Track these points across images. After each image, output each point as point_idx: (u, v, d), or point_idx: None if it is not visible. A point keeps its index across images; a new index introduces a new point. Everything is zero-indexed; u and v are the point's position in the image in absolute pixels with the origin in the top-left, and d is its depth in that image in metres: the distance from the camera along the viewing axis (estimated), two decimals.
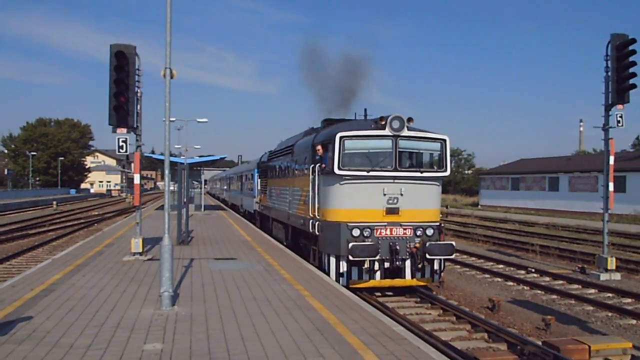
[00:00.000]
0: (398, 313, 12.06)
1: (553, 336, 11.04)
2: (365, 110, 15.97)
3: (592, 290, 16.00)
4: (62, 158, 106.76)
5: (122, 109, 14.12)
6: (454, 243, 13.34)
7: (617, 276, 17.90)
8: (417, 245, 13.10)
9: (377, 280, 13.17)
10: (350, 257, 12.31)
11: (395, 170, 13.10)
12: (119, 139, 14.60)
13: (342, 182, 13.04)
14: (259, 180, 27.51)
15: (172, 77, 10.21)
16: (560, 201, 53.30)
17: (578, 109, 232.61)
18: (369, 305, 10.29)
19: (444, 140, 13.68)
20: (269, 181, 23.63)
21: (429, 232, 13.28)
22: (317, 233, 13.98)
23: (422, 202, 13.42)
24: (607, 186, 17.43)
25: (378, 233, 12.99)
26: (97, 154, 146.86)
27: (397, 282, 13.39)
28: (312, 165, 14.56)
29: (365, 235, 12.82)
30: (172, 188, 34.54)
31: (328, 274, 13.31)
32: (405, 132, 13.15)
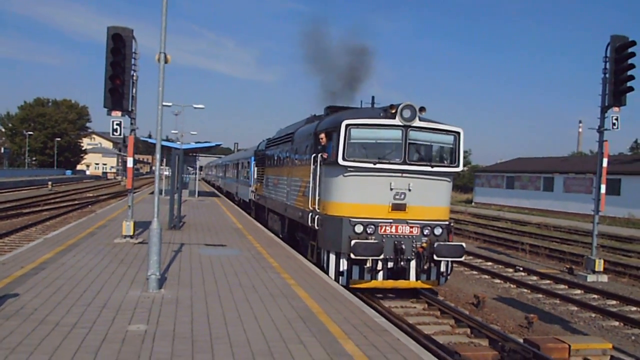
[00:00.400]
0: (383, 305, 12.19)
1: (535, 334, 11.20)
2: (373, 98, 15.09)
3: (578, 291, 16.15)
4: (59, 139, 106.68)
5: (117, 92, 14.15)
6: (464, 244, 12.55)
7: (604, 278, 18.06)
8: (424, 245, 12.38)
9: (380, 280, 12.45)
10: (352, 256, 11.65)
11: (404, 163, 12.39)
12: (113, 121, 14.70)
13: (346, 174, 12.36)
14: (255, 168, 26.76)
15: (166, 62, 10.25)
16: (555, 201, 53.46)
17: (578, 110, 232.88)
18: (352, 296, 10.36)
19: (458, 133, 12.92)
20: (267, 170, 22.86)
21: (437, 231, 12.54)
22: (316, 227, 13.29)
23: (431, 198, 12.70)
24: (599, 188, 17.56)
25: (382, 230, 12.25)
26: (94, 136, 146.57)
27: (401, 283, 12.67)
28: (314, 155, 13.82)
29: (368, 232, 12.14)
30: (166, 173, 34.81)
31: (327, 271, 12.70)
32: (417, 123, 12.43)
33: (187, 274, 11.55)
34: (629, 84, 16.40)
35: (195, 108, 50.08)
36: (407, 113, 12.25)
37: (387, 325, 8.42)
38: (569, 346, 9.75)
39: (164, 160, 30.88)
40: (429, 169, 12.55)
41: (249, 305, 9.12)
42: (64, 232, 17.32)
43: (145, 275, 10.20)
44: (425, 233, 12.42)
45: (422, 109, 12.33)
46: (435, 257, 12.06)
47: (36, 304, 8.48)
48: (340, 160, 12.17)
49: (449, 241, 12.58)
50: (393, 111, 12.27)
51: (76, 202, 40.34)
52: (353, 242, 11.61)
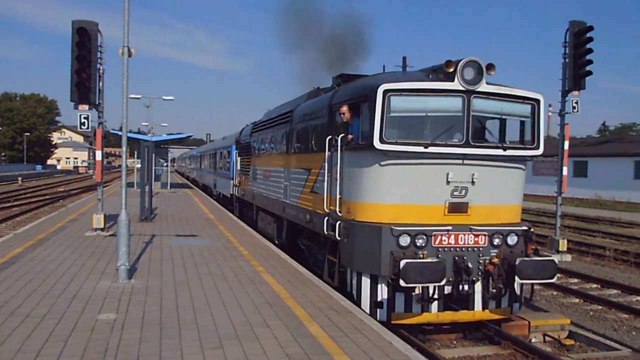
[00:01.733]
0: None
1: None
2: (405, 59, 11.18)
3: None
4: (28, 134, 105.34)
5: (84, 86, 14.13)
6: (556, 260, 8.90)
7: (568, 258, 18.43)
8: (495, 260, 8.82)
9: (434, 313, 8.89)
10: (402, 283, 7.93)
11: (467, 145, 8.73)
12: (80, 115, 14.68)
13: (383, 163, 8.63)
14: (238, 159, 23.01)
15: (130, 56, 10.31)
16: (525, 184, 54.34)
17: (548, 94, 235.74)
18: (320, 281, 10.43)
19: (537, 102, 9.30)
20: (254, 160, 19.14)
21: (511, 240, 9.07)
22: (337, 237, 9.56)
23: (500, 194, 9.21)
24: (561, 170, 18.00)
25: (437, 242, 8.67)
26: (64, 130, 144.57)
27: (463, 315, 9.12)
28: (329, 137, 10.19)
29: (418, 245, 8.56)
30: (138, 165, 34.53)
31: (356, 300, 9.12)
32: (484, 87, 8.75)
33: (157, 264, 11.59)
34: (587, 68, 16.82)
35: (166, 100, 49.70)
36: (469, 73, 8.63)
37: (351, 307, 8.59)
38: (529, 323, 10.04)
39: (135, 152, 30.80)
40: (500, 152, 9.02)
41: (217, 292, 9.24)
42: (34, 227, 17.22)
43: (115, 266, 10.22)
44: (495, 243, 8.94)
45: (490, 67, 8.72)
46: (518, 279, 8.55)
47: (6, 297, 8.55)
48: (376, 143, 8.46)
49: (527, 253, 9.15)
50: (451, 70, 8.57)
51: (47, 197, 39.88)
52: (403, 262, 7.87)
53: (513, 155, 9.18)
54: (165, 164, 41.62)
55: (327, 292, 9.56)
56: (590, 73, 16.66)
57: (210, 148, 39.43)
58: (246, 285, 9.80)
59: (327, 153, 10.28)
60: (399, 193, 8.78)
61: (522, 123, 9.46)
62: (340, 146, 9.64)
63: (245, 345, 6.64)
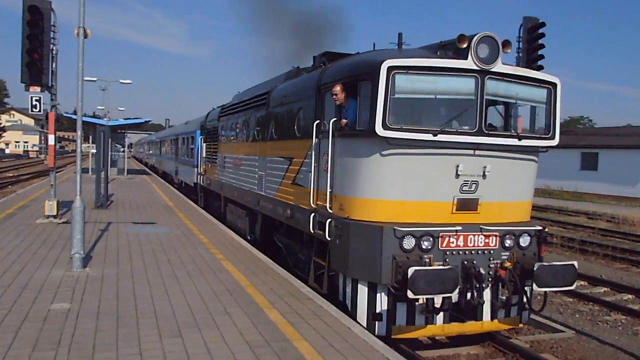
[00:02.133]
0: None
1: None
2: (400, 35, 9.79)
3: None
4: None
5: (36, 67, 13.64)
6: (575, 264, 7.94)
7: None
8: (507, 264, 7.86)
9: (439, 325, 7.89)
10: (411, 294, 6.86)
11: (480, 133, 7.68)
12: (32, 97, 14.23)
13: (385, 152, 7.46)
14: (204, 145, 21.42)
15: (86, 37, 10.01)
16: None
17: None
18: (281, 268, 10.39)
19: (554, 86, 8.29)
20: (222, 147, 17.63)
21: (524, 241, 8.12)
22: (327, 238, 8.37)
23: (511, 189, 8.23)
24: None
25: (444, 244, 7.61)
26: (13, 112, 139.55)
27: (470, 327, 8.12)
28: (317, 122, 8.98)
29: (423, 248, 7.48)
30: (93, 151, 33.62)
31: (351, 311, 7.96)
32: (499, 67, 7.65)
33: (113, 252, 11.34)
34: (539, 62, 17.35)
35: (123, 83, 48.63)
36: (484, 50, 7.49)
37: (311, 294, 8.61)
38: None
39: (90, 137, 30.06)
40: (515, 142, 7.97)
41: (176, 280, 9.12)
42: None
43: (69, 254, 9.90)
44: (506, 245, 7.99)
45: (506, 45, 7.63)
46: (536, 287, 7.61)
47: None
48: (378, 129, 7.27)
49: (540, 256, 8.30)
50: (464, 46, 7.43)
51: None
52: (412, 270, 6.81)
53: (527, 146, 8.14)
54: (122, 150, 40.73)
55: (287, 279, 9.56)
56: (542, 67, 17.12)
57: (172, 133, 37.45)
58: (206, 273, 9.70)
59: (314, 140, 9.00)
60: (402, 188, 7.62)
61: (535, 109, 8.49)
62: (332, 132, 8.33)
63: (204, 333, 6.59)
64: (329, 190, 8.45)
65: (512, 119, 8.46)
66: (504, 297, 8.07)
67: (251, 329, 6.80)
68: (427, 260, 7.47)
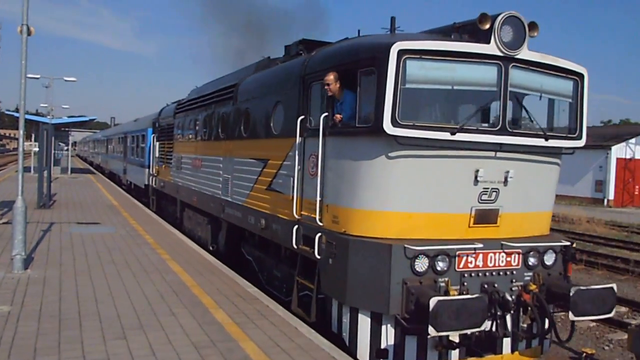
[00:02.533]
0: None
1: None
2: (393, 19, 8.18)
3: None
4: None
5: None
6: (614, 286, 6.80)
7: None
8: (532, 287, 6.67)
9: None
10: (433, 331, 5.58)
11: (503, 131, 6.48)
12: None
13: (394, 153, 6.17)
14: (156, 144, 19.66)
15: (29, 34, 9.58)
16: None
17: None
18: (227, 269, 10.21)
19: (581, 77, 7.16)
20: (178, 146, 15.97)
21: (549, 258, 6.99)
22: (316, 256, 7.04)
23: (533, 197, 7.07)
24: None
25: (462, 264, 6.39)
26: None
27: None
28: (302, 118, 7.63)
29: (438, 269, 6.25)
30: (36, 149, 32.20)
31: (347, 346, 6.64)
32: (525, 54, 6.45)
33: (56, 253, 10.93)
34: None
35: (67, 81, 46.84)
36: (508, 33, 6.29)
37: (258, 294, 8.54)
38: None
39: (33, 135, 28.84)
40: (541, 142, 6.80)
41: (121, 281, 8.88)
42: None
43: (9, 256, 9.52)
44: (530, 264, 6.83)
45: (533, 27, 6.46)
46: (572, 317, 6.47)
47: None
48: (387, 126, 5.98)
49: (567, 275, 7.21)
50: (486, 27, 6.20)
51: None
52: (435, 301, 5.51)
53: (553, 147, 6.99)
54: (65, 148, 39.32)
55: (234, 279, 9.44)
56: None
57: (120, 131, 35.26)
58: (151, 274, 9.49)
59: (297, 139, 7.62)
60: (412, 197, 6.35)
61: (562, 105, 7.29)
62: (323, 130, 6.98)
63: (149, 335, 6.44)
64: (318, 198, 7.04)
65: (538, 115, 7.16)
66: (524, 325, 6.89)
67: (197, 330, 6.69)
68: (443, 284, 6.24)
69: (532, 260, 6.82)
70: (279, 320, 7.20)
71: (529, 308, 6.60)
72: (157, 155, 19.45)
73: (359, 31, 8.32)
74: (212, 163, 12.15)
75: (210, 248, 12.42)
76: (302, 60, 8.23)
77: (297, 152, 7.69)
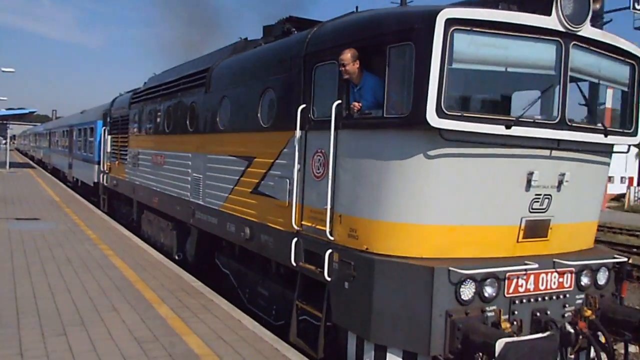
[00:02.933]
0: None
1: None
2: None
3: None
4: None
5: None
6: None
7: None
8: (588, 313, 5.56)
9: None
10: None
11: (562, 125, 5.26)
12: None
13: (435, 152, 4.91)
14: (108, 137, 17.72)
15: None
16: None
17: None
18: (171, 263, 10.05)
19: (638, 62, 5.98)
20: (134, 140, 14.19)
21: (602, 278, 5.88)
22: (326, 278, 5.68)
23: (584, 204, 5.96)
24: None
25: (511, 288, 5.17)
26: None
27: None
28: (302, 107, 6.22)
29: (485, 297, 5.00)
30: None
31: None
32: (587, 30, 5.25)
33: None
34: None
35: (5, 72, 44.30)
36: (569, 4, 5.08)
37: (202, 288, 8.43)
38: None
39: None
40: (600, 139, 5.65)
41: (62, 278, 8.65)
42: None
43: None
44: (582, 284, 5.69)
45: None
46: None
47: None
48: (431, 117, 4.68)
49: (621, 297, 6.15)
50: None
51: None
52: (502, 343, 4.36)
53: (611, 143, 5.89)
54: (3, 142, 37.15)
55: (178, 274, 9.32)
56: None
57: (65, 124, 32.51)
58: (93, 270, 9.30)
59: (297, 132, 6.22)
60: (456, 206, 5.06)
61: (618, 91, 6.12)
62: (335, 121, 5.58)
63: (91, 331, 6.34)
64: (328, 206, 5.66)
65: (594, 105, 6.02)
66: (571, 356, 5.67)
67: (139, 325, 6.61)
68: (492, 314, 5.00)
69: (584, 280, 5.68)
70: (223, 314, 7.18)
71: (581, 337, 5.40)
72: (108, 150, 17.49)
73: (357, 7, 6.97)
74: (178, 160, 10.56)
75: (176, 257, 10.83)
76: (300, 37, 6.80)
77: (296, 149, 6.29)
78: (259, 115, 7.41)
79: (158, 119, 12.08)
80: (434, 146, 4.85)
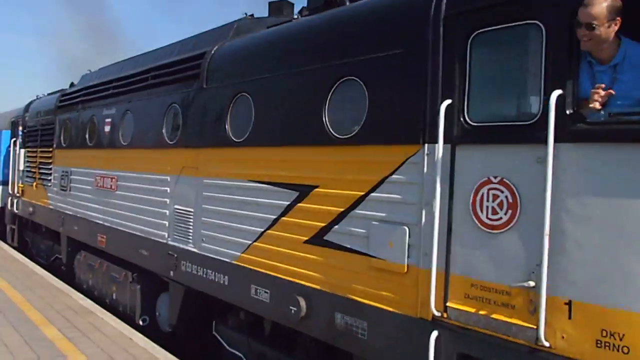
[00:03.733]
0: None
1: None
2: None
3: None
4: None
5: None
6: None
7: None
8: None
9: None
10: None
11: None
12: None
13: None
14: (21, 152, 14.66)
15: None
16: None
17: None
18: (59, 281, 9.92)
19: None
20: (65, 156, 11.07)
21: None
22: None
23: None
24: None
25: None
26: None
27: None
28: (448, 103, 3.62)
29: None
30: None
31: None
32: None
33: None
34: None
35: None
36: None
37: (92, 307, 8.32)
38: None
39: None
40: None
41: None
42: None
43: None
44: None
45: None
46: None
47: None
48: None
49: None
50: None
51: None
52: None
53: None
54: None
55: (67, 293, 9.15)
56: None
57: None
58: None
59: (438, 148, 3.64)
60: None
61: None
62: (555, 126, 3.04)
63: None
64: (545, 283, 3.07)
65: None
66: None
67: (24, 348, 6.38)
68: None
69: None
70: (113, 332, 7.07)
71: None
72: (21, 168, 14.31)
73: None
74: (145, 185, 7.66)
75: (140, 322, 7.80)
76: None
77: (425, 174, 3.77)
78: (325, 120, 4.70)
79: (107, 127, 9.09)
80: None
